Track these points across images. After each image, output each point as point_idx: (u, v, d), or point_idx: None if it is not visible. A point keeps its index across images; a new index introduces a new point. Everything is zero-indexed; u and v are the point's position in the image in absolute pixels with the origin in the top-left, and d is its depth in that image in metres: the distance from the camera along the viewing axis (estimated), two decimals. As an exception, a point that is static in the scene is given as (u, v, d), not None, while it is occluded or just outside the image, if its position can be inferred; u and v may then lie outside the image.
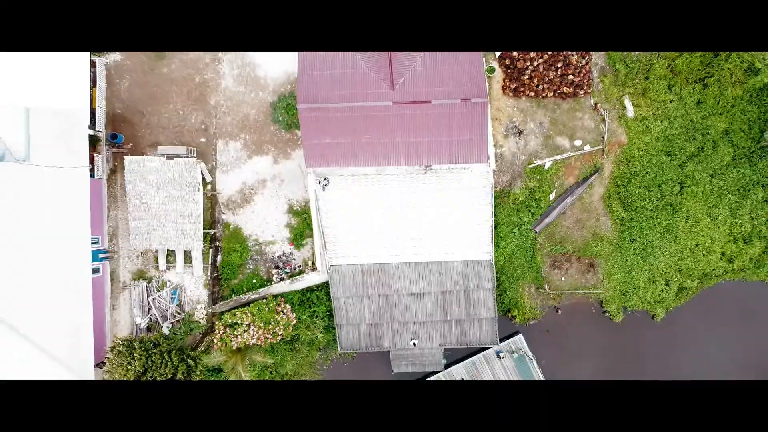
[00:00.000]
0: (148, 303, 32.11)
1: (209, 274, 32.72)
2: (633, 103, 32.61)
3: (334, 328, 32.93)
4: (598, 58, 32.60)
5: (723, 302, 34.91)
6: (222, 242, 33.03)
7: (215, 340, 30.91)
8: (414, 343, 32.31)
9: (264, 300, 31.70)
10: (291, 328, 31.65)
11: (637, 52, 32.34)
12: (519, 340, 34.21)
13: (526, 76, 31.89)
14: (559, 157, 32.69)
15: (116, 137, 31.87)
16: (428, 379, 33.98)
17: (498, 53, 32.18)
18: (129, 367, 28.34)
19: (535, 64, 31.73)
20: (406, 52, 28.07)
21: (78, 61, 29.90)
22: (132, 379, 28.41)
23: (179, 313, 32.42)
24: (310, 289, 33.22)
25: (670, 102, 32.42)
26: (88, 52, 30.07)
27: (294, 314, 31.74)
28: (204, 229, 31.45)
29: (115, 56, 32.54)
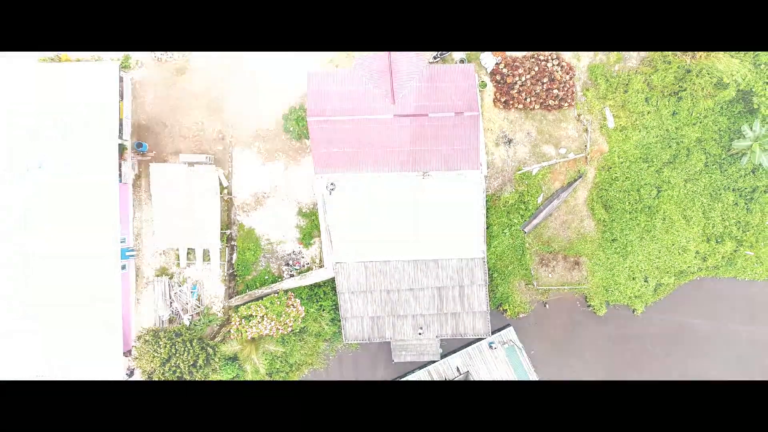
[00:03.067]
0: (170, 297, 34.88)
1: (226, 270, 35.48)
2: (613, 115, 35.42)
3: (339, 321, 35.58)
4: (581, 73, 35.46)
5: (694, 297, 37.75)
6: (237, 241, 35.76)
7: (232, 331, 33.59)
8: (420, 332, 34.84)
9: (276, 294, 34.35)
10: (300, 321, 34.25)
11: (617, 68, 35.23)
12: (510, 331, 36.97)
13: (515, 90, 34.71)
14: (545, 163, 35.49)
15: (141, 146, 34.69)
16: (426, 380, 36.67)
17: (490, 69, 35.03)
18: (155, 354, 31.07)
19: (523, 79, 34.55)
20: (406, 70, 30.93)
21: (108, 76, 32.76)
22: (158, 365, 31.13)
23: (198, 306, 35.18)
24: (317, 285, 35.92)
25: (648, 113, 35.24)
26: (118, 68, 32.88)
27: (303, 308, 34.31)
28: (221, 229, 34.25)
29: (140, 71, 35.38)
